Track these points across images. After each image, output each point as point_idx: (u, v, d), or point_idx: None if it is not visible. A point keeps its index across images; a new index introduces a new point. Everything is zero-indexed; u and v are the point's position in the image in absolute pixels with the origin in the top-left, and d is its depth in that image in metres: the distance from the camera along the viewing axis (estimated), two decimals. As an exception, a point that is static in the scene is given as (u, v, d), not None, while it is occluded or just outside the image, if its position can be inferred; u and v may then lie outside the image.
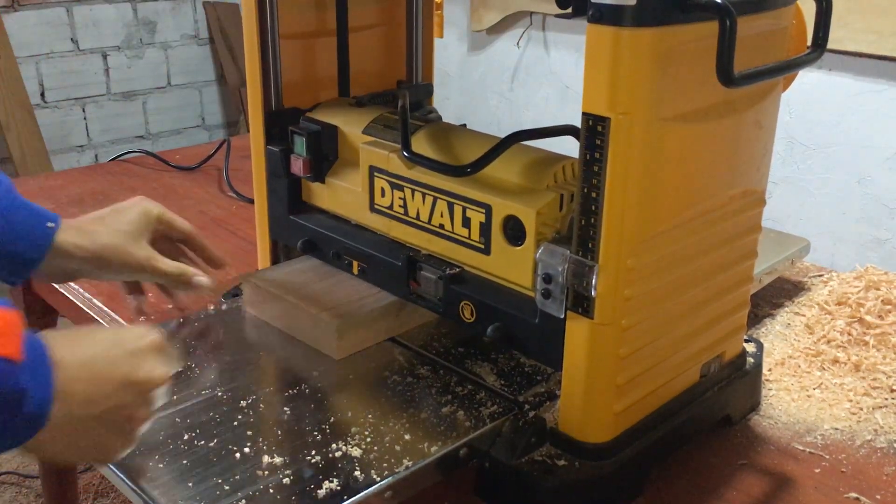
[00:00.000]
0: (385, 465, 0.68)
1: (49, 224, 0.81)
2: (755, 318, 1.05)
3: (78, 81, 3.24)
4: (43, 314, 1.19)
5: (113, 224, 0.85)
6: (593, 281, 0.67)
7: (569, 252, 0.69)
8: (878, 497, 0.76)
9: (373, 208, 0.87)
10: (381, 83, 1.04)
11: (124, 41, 3.36)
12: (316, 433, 0.72)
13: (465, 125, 0.92)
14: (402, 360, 0.84)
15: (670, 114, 0.65)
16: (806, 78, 2.16)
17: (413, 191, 0.82)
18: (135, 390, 0.62)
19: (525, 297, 0.75)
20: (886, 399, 0.90)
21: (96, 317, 1.07)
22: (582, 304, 0.69)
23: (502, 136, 0.78)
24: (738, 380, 0.84)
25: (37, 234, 0.81)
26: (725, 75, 0.60)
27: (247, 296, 0.94)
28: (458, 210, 0.79)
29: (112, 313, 1.07)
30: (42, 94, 3.07)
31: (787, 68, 0.70)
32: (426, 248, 0.84)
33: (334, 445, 0.70)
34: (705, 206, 0.73)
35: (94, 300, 1.10)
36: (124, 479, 0.67)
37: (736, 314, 0.82)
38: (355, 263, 0.91)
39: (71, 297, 1.12)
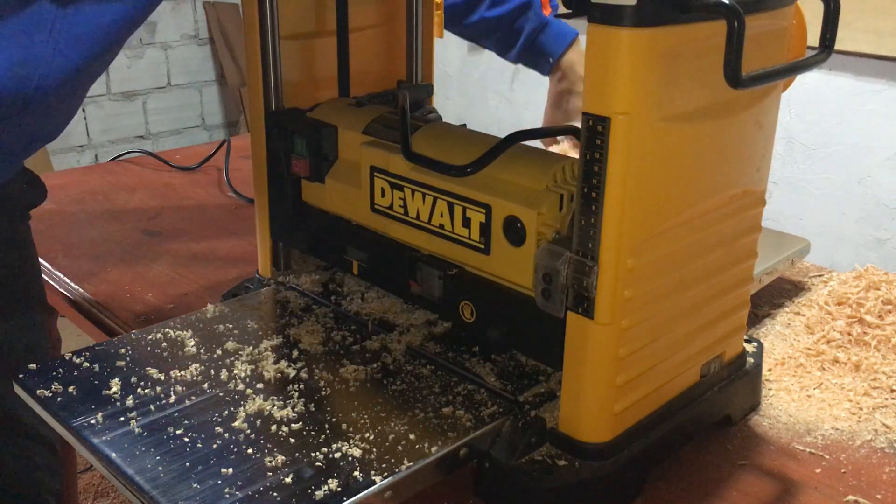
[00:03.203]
0: (385, 465, 0.68)
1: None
2: (755, 318, 1.05)
3: (78, 81, 3.24)
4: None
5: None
6: (593, 281, 0.67)
7: (569, 252, 0.69)
8: (879, 497, 0.77)
9: (373, 208, 0.87)
10: (381, 83, 1.04)
11: (124, 41, 3.36)
12: (316, 433, 0.72)
13: (465, 125, 0.92)
14: (403, 360, 0.84)
15: (670, 114, 0.65)
16: (806, 78, 2.16)
17: (413, 191, 0.82)
18: None
19: (525, 297, 0.75)
20: (886, 399, 0.90)
21: (96, 317, 1.08)
22: (582, 304, 0.69)
23: (502, 136, 0.78)
24: (738, 380, 0.84)
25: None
26: (733, 77, 0.60)
27: None
28: (458, 210, 0.79)
29: (112, 313, 1.07)
30: (42, 94, 3.07)
31: (794, 69, 0.69)
32: (426, 248, 0.84)
33: (334, 445, 0.70)
34: (705, 206, 0.73)
35: (95, 299, 1.10)
36: (124, 479, 0.67)
37: (736, 314, 0.82)
38: (355, 263, 0.91)
39: (71, 297, 1.12)
